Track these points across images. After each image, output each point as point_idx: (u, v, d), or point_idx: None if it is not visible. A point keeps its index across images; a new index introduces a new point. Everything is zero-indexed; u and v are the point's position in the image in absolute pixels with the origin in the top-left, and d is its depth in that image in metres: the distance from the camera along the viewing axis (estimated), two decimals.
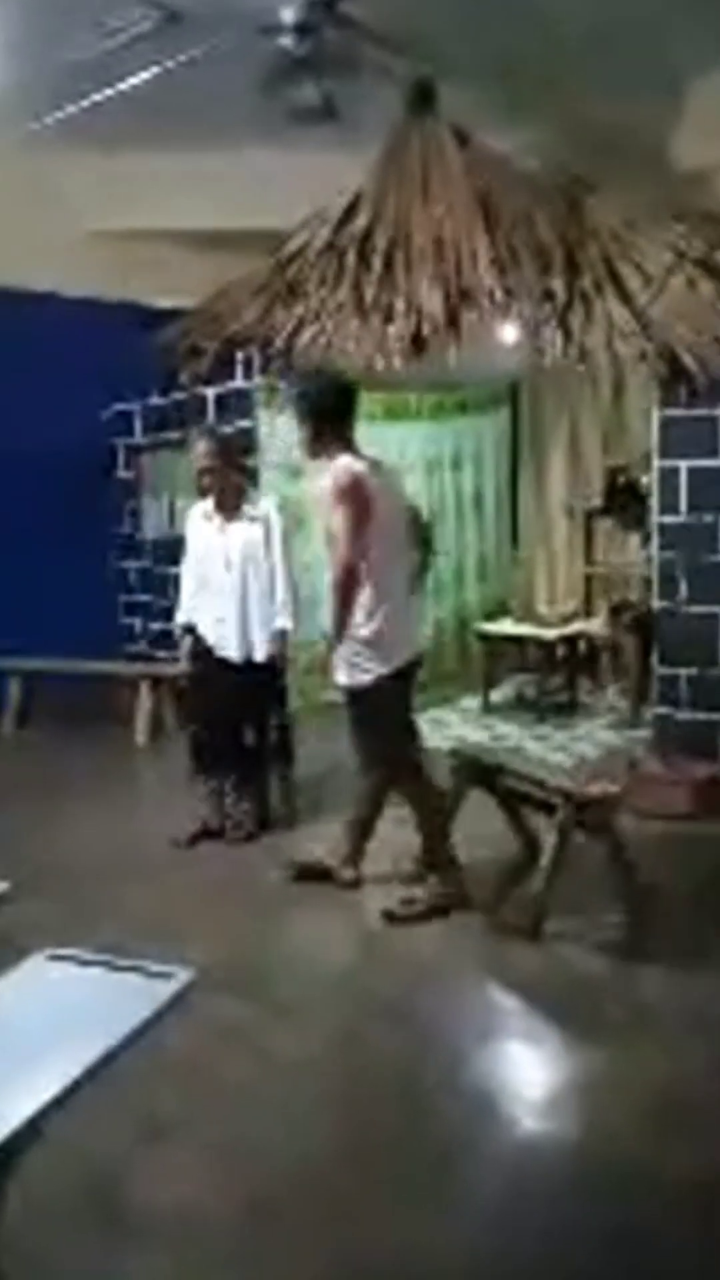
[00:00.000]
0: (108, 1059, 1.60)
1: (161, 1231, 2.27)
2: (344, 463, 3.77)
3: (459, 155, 4.64)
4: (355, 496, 3.67)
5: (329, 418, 3.90)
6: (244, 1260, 2.20)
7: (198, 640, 4.73)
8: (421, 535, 5.09)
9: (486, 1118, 2.68)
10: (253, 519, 4.67)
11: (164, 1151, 2.55)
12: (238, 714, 4.72)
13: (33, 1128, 1.48)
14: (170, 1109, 2.71)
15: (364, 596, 3.70)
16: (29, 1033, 1.69)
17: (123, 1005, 1.68)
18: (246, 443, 6.86)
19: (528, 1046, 3.09)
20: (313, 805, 5.00)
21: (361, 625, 3.71)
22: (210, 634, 4.68)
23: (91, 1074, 1.57)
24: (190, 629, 4.76)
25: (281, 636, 4.65)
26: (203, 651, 4.71)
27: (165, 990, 1.72)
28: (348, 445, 3.88)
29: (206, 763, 4.75)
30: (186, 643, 4.78)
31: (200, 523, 4.76)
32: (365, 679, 3.76)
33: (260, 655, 4.63)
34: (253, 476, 6.87)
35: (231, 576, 4.62)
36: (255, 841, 4.68)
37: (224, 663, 4.65)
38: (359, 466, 3.78)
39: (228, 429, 6.97)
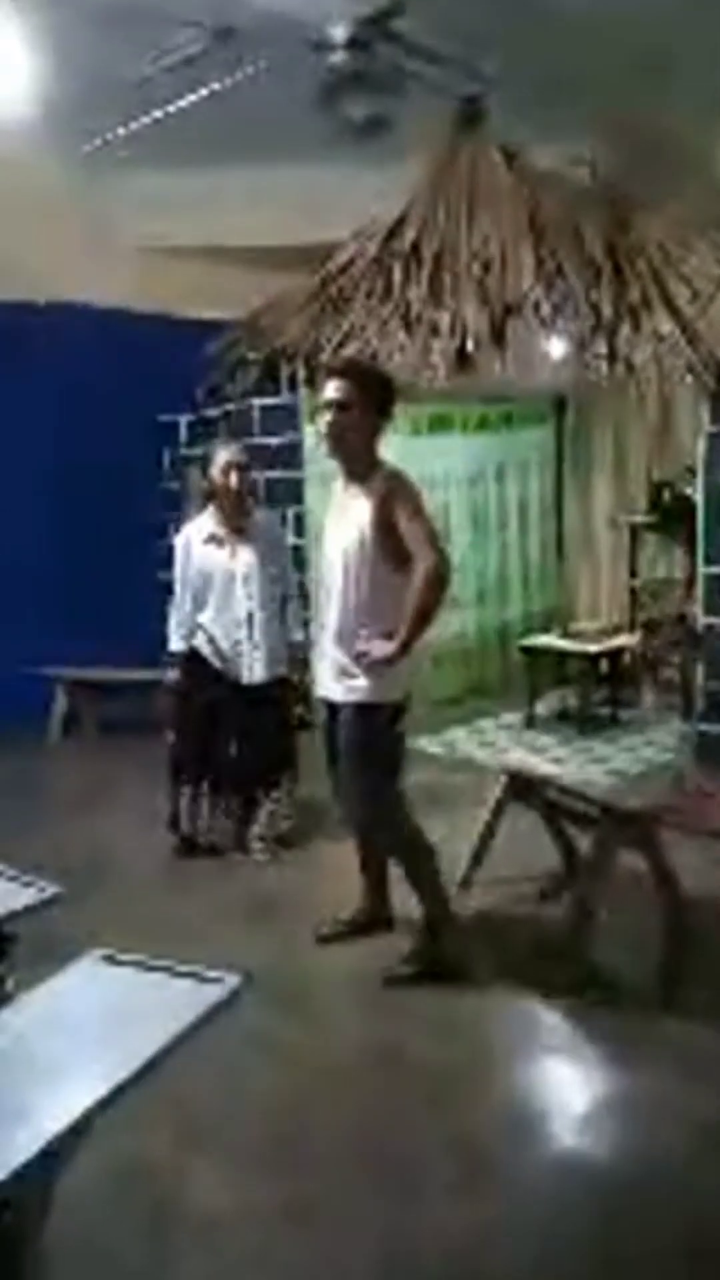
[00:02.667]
0: (156, 1061, 1.64)
1: (199, 1232, 2.31)
2: (398, 471, 3.44)
3: (506, 170, 4.68)
4: (419, 496, 3.38)
5: (377, 409, 3.46)
6: (278, 1262, 2.23)
7: (196, 662, 4.62)
8: None
9: (525, 1132, 2.69)
10: (258, 537, 4.62)
11: (202, 1154, 2.59)
12: (253, 731, 4.65)
13: (81, 1126, 1.52)
14: (208, 1112, 2.75)
15: (395, 612, 3.29)
16: (80, 1032, 1.73)
17: (172, 1008, 1.72)
18: (289, 456, 6.94)
19: (567, 1062, 3.09)
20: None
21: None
22: (225, 657, 4.59)
23: (140, 1075, 1.61)
24: (188, 654, 4.64)
25: (300, 647, 4.71)
26: (199, 670, 4.62)
27: (213, 994, 1.75)
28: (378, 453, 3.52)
29: (190, 778, 4.69)
30: (174, 672, 4.69)
31: (201, 545, 4.60)
32: (384, 697, 3.41)
33: (280, 671, 4.64)
34: (297, 488, 6.94)
35: (252, 600, 4.56)
36: (275, 858, 4.67)
37: (239, 685, 4.59)
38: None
39: (273, 441, 7.05)
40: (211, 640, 4.60)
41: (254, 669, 4.59)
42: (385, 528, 3.33)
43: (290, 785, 4.81)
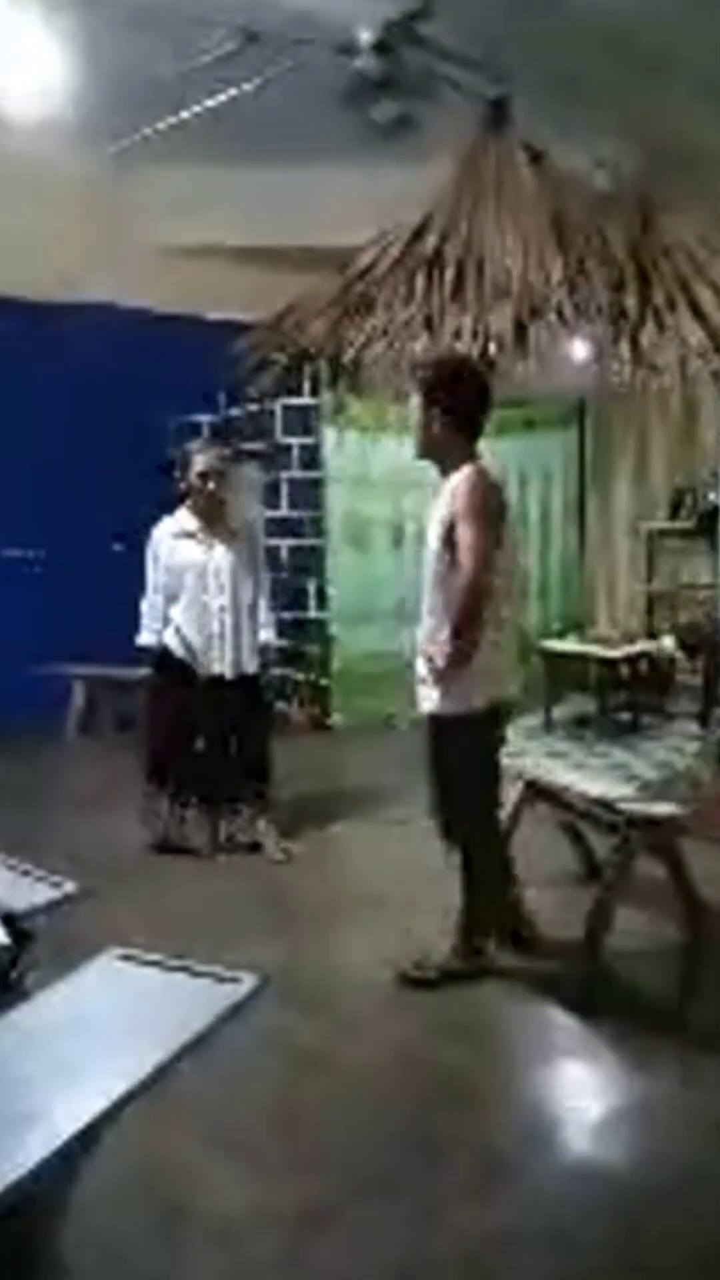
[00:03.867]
0: (174, 1062, 1.62)
1: (215, 1234, 2.29)
2: (478, 467, 3.26)
3: (531, 173, 4.67)
4: (490, 504, 3.20)
5: (458, 410, 3.30)
6: (296, 1266, 2.21)
7: (167, 659, 4.62)
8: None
9: (543, 1137, 2.67)
10: (234, 532, 4.65)
11: (219, 1155, 2.57)
12: (224, 728, 4.64)
13: (98, 1128, 1.51)
14: (224, 1113, 2.73)
15: (485, 619, 3.16)
16: (97, 1032, 1.72)
17: (191, 1007, 1.71)
18: (309, 457, 6.93)
19: (587, 1066, 3.06)
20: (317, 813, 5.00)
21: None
22: (197, 652, 4.58)
23: (157, 1076, 1.60)
24: (160, 653, 4.63)
25: (268, 648, 4.72)
26: (172, 668, 4.61)
27: (232, 995, 1.74)
28: (472, 450, 3.33)
29: (174, 778, 4.66)
30: (146, 670, 4.70)
31: (176, 540, 4.61)
32: (457, 709, 3.24)
33: (251, 668, 4.64)
34: (317, 490, 6.94)
35: (224, 595, 4.57)
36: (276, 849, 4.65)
37: (208, 680, 4.58)
38: (493, 470, 3.33)
39: (295, 442, 7.05)
40: (181, 636, 4.59)
41: (224, 662, 4.59)
42: (449, 527, 3.19)
43: (263, 785, 4.76)
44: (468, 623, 3.12)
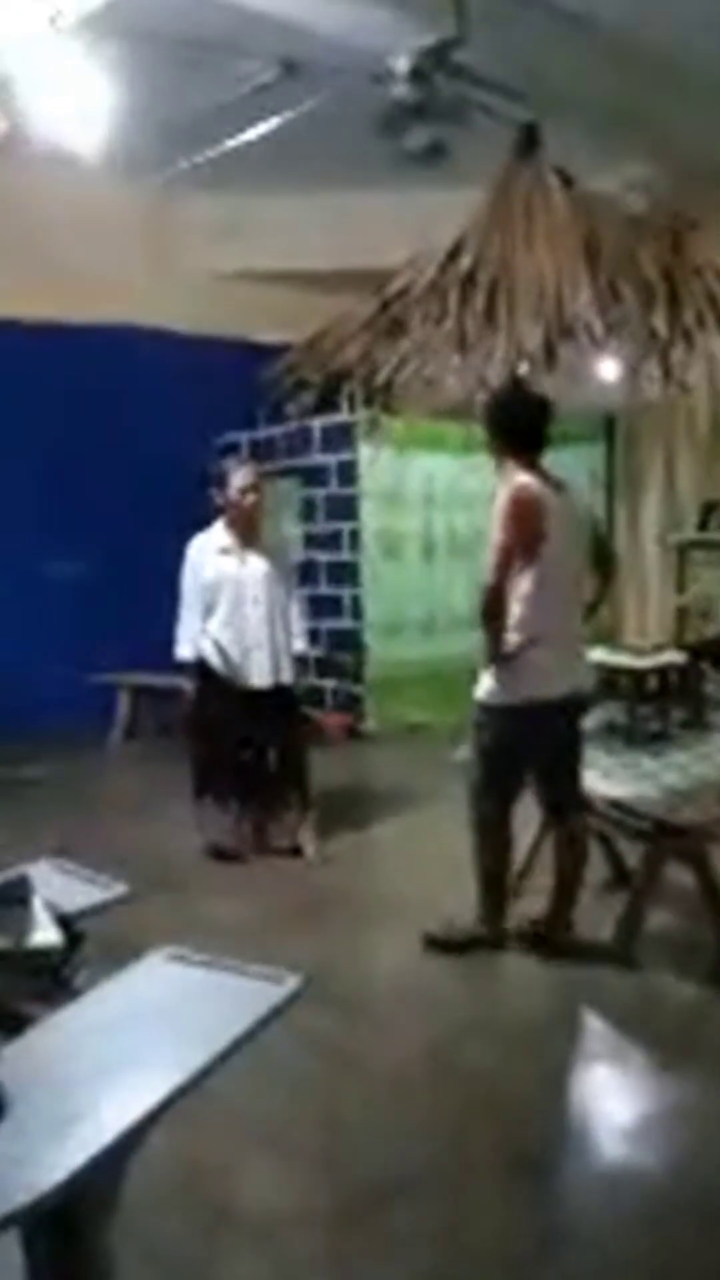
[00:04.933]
0: (219, 1059, 1.62)
1: (253, 1232, 2.29)
2: (520, 482, 3.50)
3: (563, 197, 4.65)
4: (522, 518, 3.42)
5: (509, 433, 3.64)
6: (336, 1264, 2.20)
7: (206, 672, 4.64)
8: (602, 557, 4.09)
9: (579, 1141, 2.64)
10: (268, 547, 4.69)
11: (258, 1154, 2.57)
12: (262, 737, 4.68)
13: (144, 1126, 1.51)
14: (266, 1114, 2.73)
15: (523, 620, 3.41)
16: (146, 1029, 1.72)
17: (236, 1007, 1.71)
18: (346, 473, 6.95)
19: (618, 1070, 3.03)
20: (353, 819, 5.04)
21: (513, 646, 3.43)
22: (235, 665, 4.59)
23: (204, 1073, 1.59)
24: (197, 662, 4.64)
25: (300, 660, 4.73)
26: (210, 680, 4.63)
27: (277, 994, 1.73)
28: (529, 464, 3.59)
29: (217, 786, 4.69)
30: (190, 682, 4.70)
31: (213, 556, 4.64)
32: (493, 700, 3.50)
33: (287, 678, 4.65)
34: (353, 504, 6.95)
35: (260, 607, 4.58)
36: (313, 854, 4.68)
37: (245, 691, 4.59)
38: (535, 485, 3.52)
39: (328, 459, 7.07)
40: (219, 648, 4.60)
41: (261, 674, 4.60)
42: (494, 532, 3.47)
43: (301, 793, 4.77)
44: (484, 620, 3.42)
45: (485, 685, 3.52)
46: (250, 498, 4.61)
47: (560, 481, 3.68)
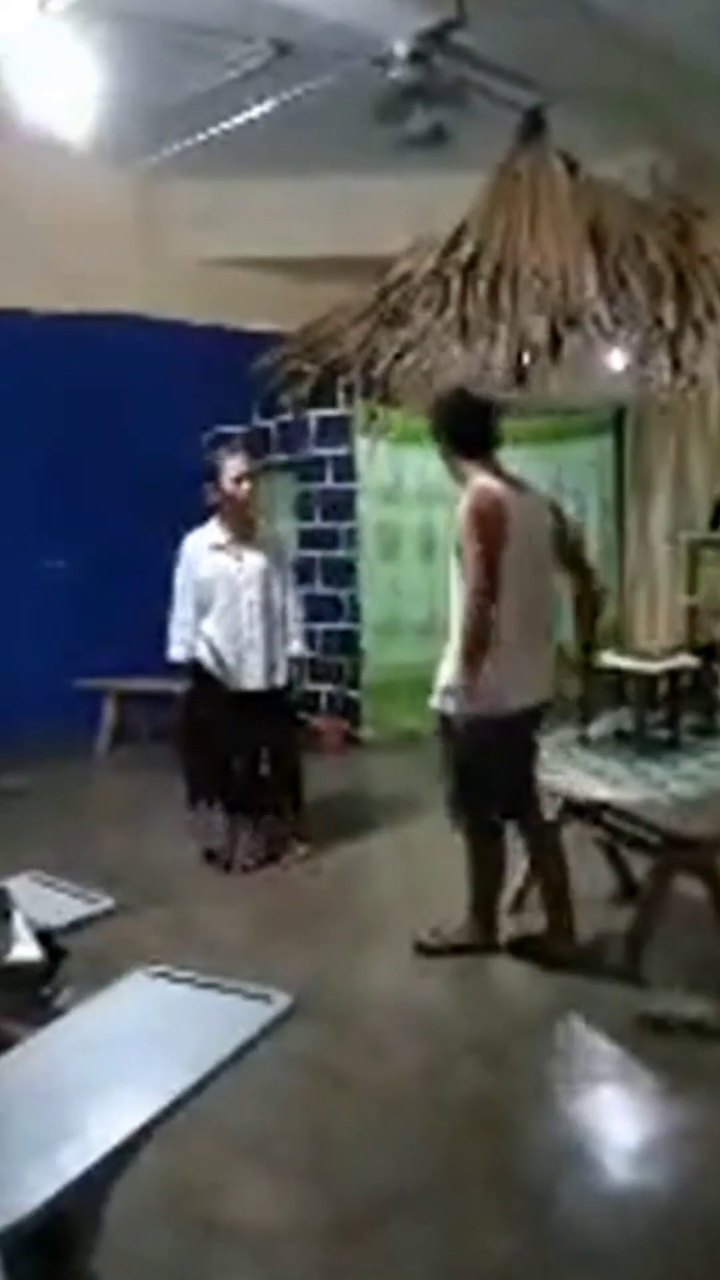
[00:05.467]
0: (207, 1080, 1.65)
1: (246, 1249, 2.32)
2: (480, 484, 3.58)
3: (567, 182, 4.68)
4: (488, 520, 3.49)
5: (459, 437, 3.72)
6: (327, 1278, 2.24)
7: (199, 673, 4.67)
8: (574, 558, 4.21)
9: (578, 1163, 2.66)
10: (263, 543, 4.68)
11: (249, 1172, 2.60)
12: (256, 742, 4.70)
13: (131, 1145, 1.54)
14: (256, 1132, 2.76)
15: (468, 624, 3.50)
16: (130, 1048, 1.75)
17: (224, 1025, 1.73)
18: (343, 468, 6.98)
19: (622, 1091, 3.05)
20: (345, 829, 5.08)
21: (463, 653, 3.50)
22: (228, 665, 4.62)
23: (191, 1094, 1.62)
24: (190, 663, 4.68)
25: (295, 662, 4.76)
26: (204, 682, 4.66)
27: (264, 1013, 1.76)
28: (485, 466, 3.68)
29: (211, 792, 4.73)
30: (181, 684, 4.76)
31: (208, 552, 4.66)
32: (460, 711, 3.54)
33: (281, 681, 4.69)
34: (350, 501, 6.98)
35: (255, 607, 4.61)
36: (301, 864, 4.73)
37: (238, 693, 4.62)
38: (497, 488, 3.59)
39: (325, 453, 7.09)
40: (213, 648, 4.62)
41: (255, 675, 4.62)
42: (461, 542, 3.55)
43: (294, 800, 4.84)
44: (471, 638, 3.45)
45: (449, 697, 3.56)
46: (245, 487, 4.60)
47: (521, 481, 3.76)
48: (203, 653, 4.66)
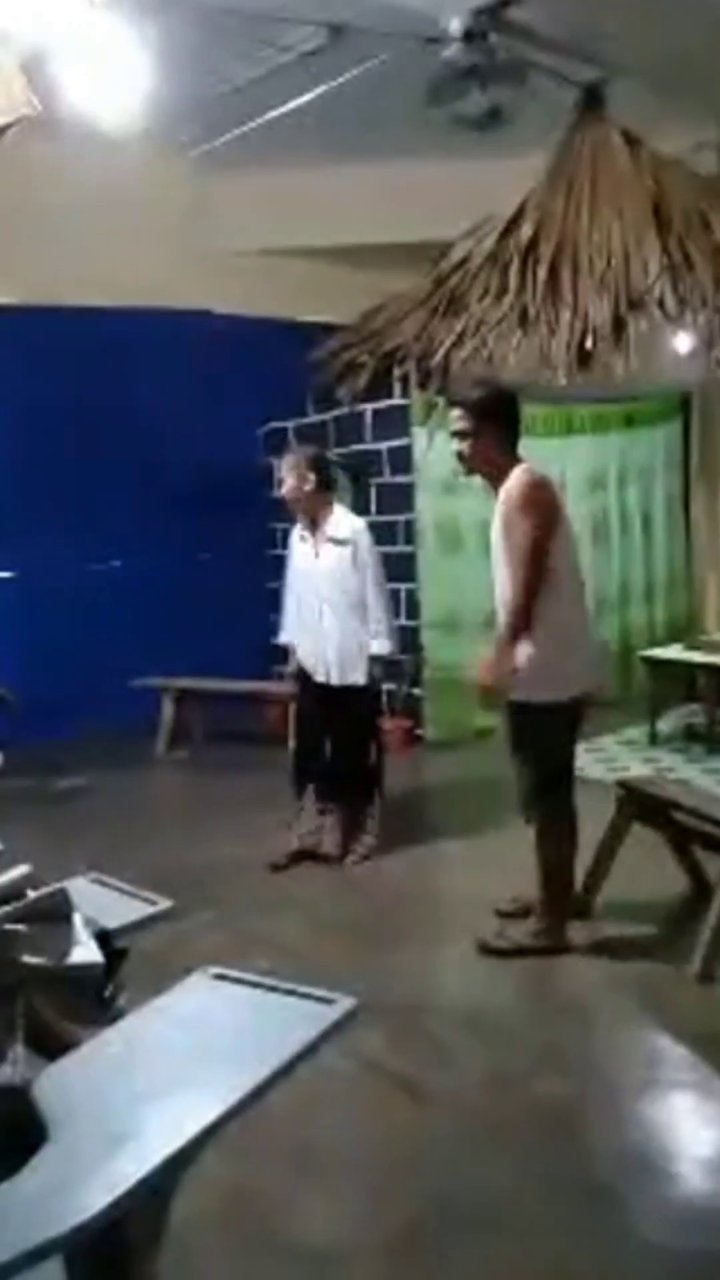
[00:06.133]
0: (268, 1084, 1.65)
1: (307, 1261, 2.31)
2: (529, 470, 3.61)
3: (629, 159, 4.62)
4: (545, 505, 3.54)
5: (509, 425, 3.68)
6: None
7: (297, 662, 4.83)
8: None
9: (649, 1172, 2.62)
10: (338, 541, 4.64)
11: (310, 1181, 2.60)
12: (333, 736, 4.78)
13: (190, 1150, 1.54)
14: (315, 1139, 2.76)
15: (553, 611, 3.53)
16: (189, 1052, 1.75)
17: (284, 1028, 1.73)
18: (400, 461, 6.95)
19: (696, 1098, 3.00)
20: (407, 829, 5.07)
21: (548, 641, 3.54)
22: (307, 659, 4.75)
23: (251, 1099, 1.62)
24: (291, 649, 4.87)
25: (379, 661, 4.69)
26: (301, 673, 4.81)
27: (326, 1016, 1.76)
28: (517, 456, 3.69)
29: (304, 783, 4.83)
30: (294, 662, 4.86)
31: (297, 544, 4.81)
32: (544, 697, 3.59)
33: (359, 679, 4.66)
34: (408, 494, 6.95)
35: (325, 601, 4.64)
36: (360, 864, 4.75)
37: (321, 686, 4.71)
38: (543, 473, 3.64)
39: (384, 446, 7.08)
40: (310, 642, 4.75)
41: (329, 672, 4.68)
42: (507, 529, 3.59)
43: (365, 800, 4.86)
44: (514, 626, 3.52)
45: (527, 685, 3.58)
46: (286, 483, 4.63)
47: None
48: (298, 643, 4.81)
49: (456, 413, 3.68)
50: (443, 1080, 3.04)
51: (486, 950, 3.75)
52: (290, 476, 4.61)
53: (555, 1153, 2.69)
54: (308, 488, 4.60)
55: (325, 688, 4.70)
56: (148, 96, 3.99)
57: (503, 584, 3.66)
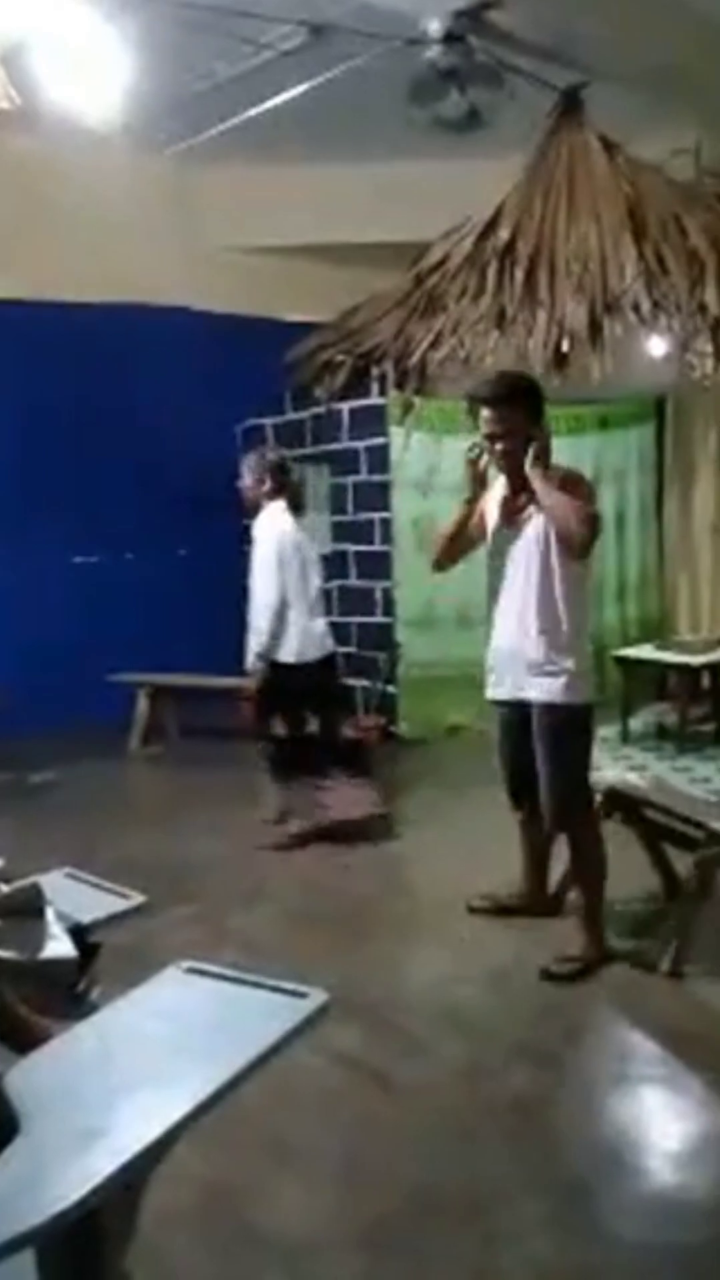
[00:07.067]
0: (241, 1078, 1.64)
1: (280, 1253, 2.31)
2: (566, 465, 3.57)
3: (606, 163, 4.65)
4: (593, 495, 3.52)
5: (536, 420, 3.51)
6: None
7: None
8: None
9: (623, 1166, 2.64)
10: (259, 539, 4.84)
11: (284, 1173, 2.60)
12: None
13: (163, 1144, 1.53)
14: (289, 1133, 2.76)
15: (580, 613, 3.53)
16: (162, 1045, 1.75)
17: (257, 1022, 1.73)
18: (377, 460, 6.96)
19: (665, 1092, 3.02)
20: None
21: (583, 639, 3.54)
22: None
23: (223, 1093, 1.62)
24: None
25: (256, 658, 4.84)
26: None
27: (300, 1010, 1.76)
28: None
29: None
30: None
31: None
32: (578, 699, 3.52)
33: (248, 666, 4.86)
34: (384, 492, 6.96)
35: (251, 593, 4.87)
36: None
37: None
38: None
39: (361, 445, 7.08)
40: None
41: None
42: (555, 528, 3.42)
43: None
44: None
45: (562, 685, 3.48)
46: (246, 481, 4.88)
47: None
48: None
49: (487, 413, 3.47)
50: (416, 1074, 3.04)
51: (549, 977, 3.52)
52: (250, 476, 4.84)
53: (529, 1146, 2.70)
54: (263, 489, 4.82)
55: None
56: (128, 92, 3.99)
57: (515, 584, 3.54)
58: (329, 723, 5.19)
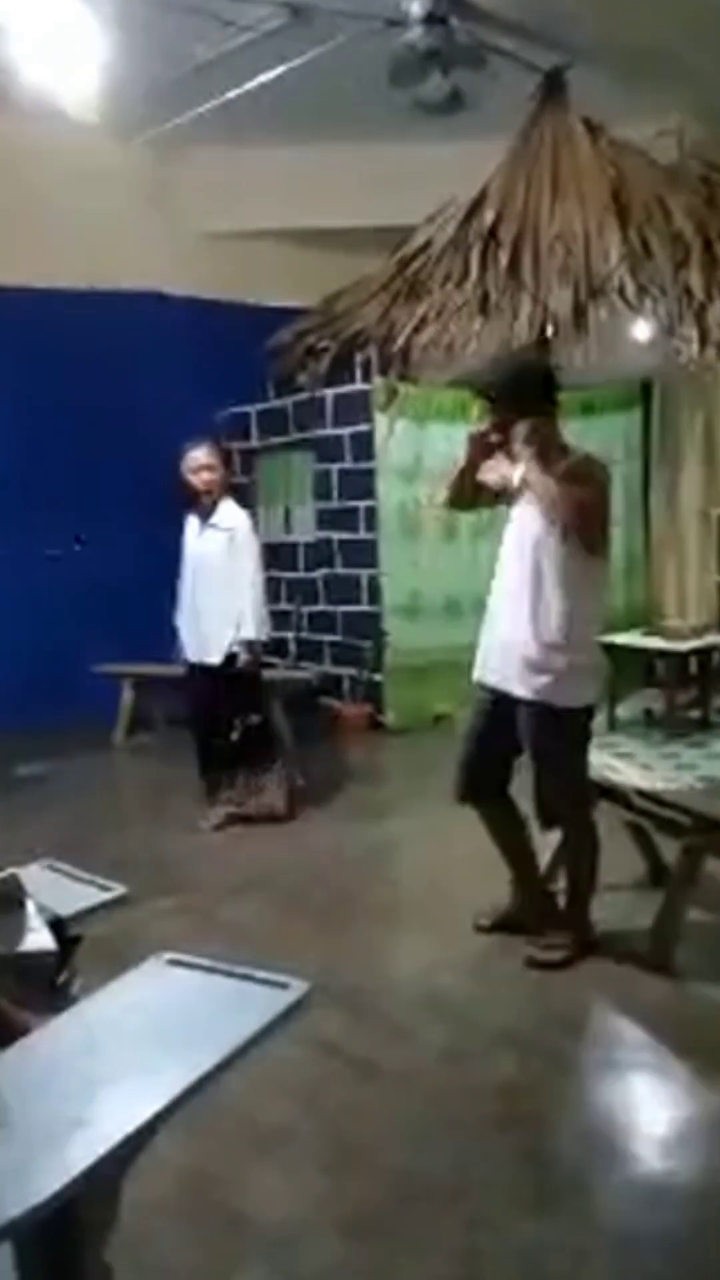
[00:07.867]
0: (222, 1068, 1.64)
1: (265, 1241, 2.32)
2: (582, 450, 3.47)
3: (590, 146, 4.63)
4: (606, 492, 3.39)
5: (552, 400, 3.42)
6: (349, 1276, 2.23)
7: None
8: None
9: (609, 1151, 2.65)
10: (219, 528, 4.91)
11: (268, 1161, 2.60)
12: (216, 714, 5.05)
13: (144, 1134, 1.53)
14: (273, 1121, 2.76)
15: (589, 610, 3.43)
16: (143, 1037, 1.74)
17: (240, 1012, 1.73)
18: (360, 447, 6.94)
19: (652, 1079, 3.03)
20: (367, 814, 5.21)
21: (584, 639, 3.42)
22: (189, 641, 5.09)
23: (205, 1082, 1.62)
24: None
25: (249, 646, 4.89)
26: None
27: (282, 1000, 1.76)
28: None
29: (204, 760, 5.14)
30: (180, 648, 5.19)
31: (188, 528, 5.07)
32: (579, 701, 3.45)
33: (217, 659, 4.90)
34: (369, 481, 6.95)
35: (199, 584, 4.96)
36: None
37: (201, 666, 5.01)
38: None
39: (345, 432, 7.06)
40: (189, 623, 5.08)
41: (191, 647, 5.06)
42: (559, 521, 3.29)
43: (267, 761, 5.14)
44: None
45: (547, 684, 3.38)
46: (204, 477, 4.89)
47: None
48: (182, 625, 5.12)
49: (489, 405, 3.43)
50: (399, 1060, 3.05)
51: (535, 965, 3.54)
52: (204, 474, 4.88)
53: (513, 1132, 2.72)
54: (220, 475, 4.93)
55: (205, 669, 4.97)
56: (106, 75, 3.96)
57: (512, 573, 3.46)
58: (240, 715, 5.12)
